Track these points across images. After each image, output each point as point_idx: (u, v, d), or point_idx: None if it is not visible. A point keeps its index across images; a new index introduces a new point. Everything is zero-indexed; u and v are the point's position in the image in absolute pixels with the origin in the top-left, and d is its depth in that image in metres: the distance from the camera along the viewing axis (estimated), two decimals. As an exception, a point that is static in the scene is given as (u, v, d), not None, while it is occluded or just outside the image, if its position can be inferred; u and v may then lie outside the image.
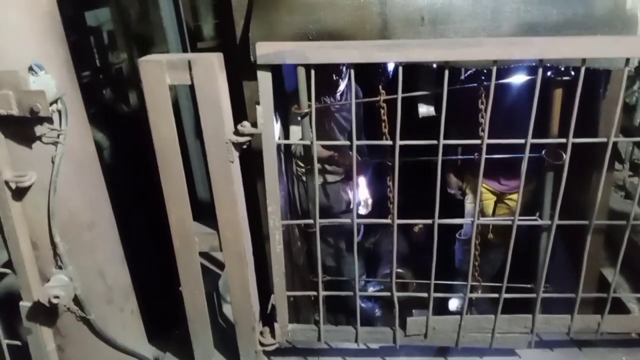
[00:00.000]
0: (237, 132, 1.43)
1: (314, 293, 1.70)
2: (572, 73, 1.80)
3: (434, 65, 1.70)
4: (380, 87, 2.10)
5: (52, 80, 1.33)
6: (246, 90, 1.93)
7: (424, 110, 2.31)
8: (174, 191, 1.48)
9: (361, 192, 3.23)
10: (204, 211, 1.80)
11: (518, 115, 2.56)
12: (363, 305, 3.39)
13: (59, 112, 1.37)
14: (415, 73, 2.13)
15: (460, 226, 3.27)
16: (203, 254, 1.67)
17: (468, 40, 1.36)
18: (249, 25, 1.73)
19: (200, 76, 1.33)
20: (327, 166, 2.98)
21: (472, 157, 1.78)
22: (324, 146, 2.73)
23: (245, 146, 1.46)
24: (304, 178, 2.55)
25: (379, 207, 2.91)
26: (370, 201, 3.21)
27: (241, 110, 1.88)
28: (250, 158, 1.61)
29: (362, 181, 3.25)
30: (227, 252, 1.56)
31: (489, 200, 3.16)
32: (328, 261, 3.12)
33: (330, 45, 1.38)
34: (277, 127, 2.45)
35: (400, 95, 1.38)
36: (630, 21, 1.65)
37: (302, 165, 2.59)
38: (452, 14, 1.68)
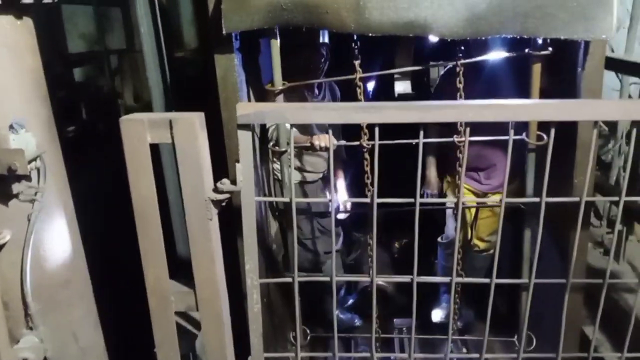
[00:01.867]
0: (216, 190, 1.43)
1: (292, 354, 1.66)
2: (550, 49, 1.87)
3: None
4: (357, 65, 2.09)
5: (32, 138, 1.34)
6: (219, 69, 1.96)
7: (401, 88, 2.34)
8: (151, 250, 1.46)
9: (340, 194, 3.12)
10: (184, 268, 1.78)
11: (499, 86, 2.63)
12: (342, 316, 3.32)
13: (38, 169, 1.37)
14: (392, 50, 2.13)
15: (442, 230, 3.21)
16: (179, 314, 1.64)
17: (442, 102, 1.40)
18: None
19: (181, 135, 1.35)
20: (306, 164, 2.90)
21: (452, 139, 1.83)
22: (301, 132, 2.70)
23: (224, 203, 1.46)
24: (279, 175, 2.47)
25: (361, 206, 2.77)
26: (349, 204, 3.13)
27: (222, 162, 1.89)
28: (229, 214, 1.62)
29: (341, 183, 3.19)
30: (204, 312, 1.53)
31: (470, 202, 3.10)
32: (305, 264, 3.04)
33: (309, 106, 1.42)
34: None
35: (377, 144, 1.41)
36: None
37: (277, 159, 2.48)
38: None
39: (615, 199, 1.47)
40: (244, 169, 1.42)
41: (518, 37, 1.76)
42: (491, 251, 3.09)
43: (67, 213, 1.54)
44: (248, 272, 1.51)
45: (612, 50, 3.62)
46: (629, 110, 1.37)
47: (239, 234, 1.77)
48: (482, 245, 3.08)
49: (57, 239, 1.52)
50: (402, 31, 1.77)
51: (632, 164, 2.48)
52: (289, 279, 1.59)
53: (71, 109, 3.36)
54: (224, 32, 1.81)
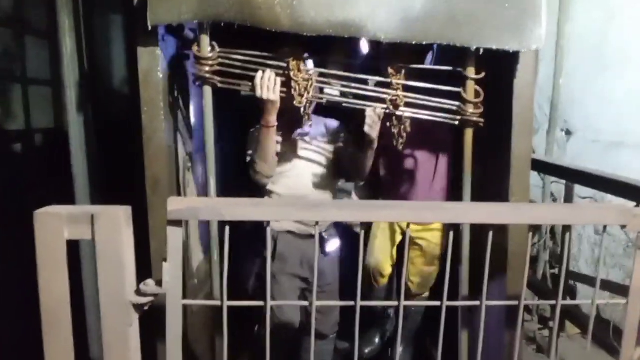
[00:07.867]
0: (139, 292, 1.30)
1: None
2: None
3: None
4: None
5: None
6: (141, 62, 1.83)
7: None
8: (59, 358, 1.28)
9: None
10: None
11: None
12: None
13: None
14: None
15: None
16: None
17: (382, 202, 1.39)
18: None
19: (103, 231, 1.23)
20: None
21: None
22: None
23: (146, 308, 1.33)
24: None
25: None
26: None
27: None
28: (150, 316, 1.46)
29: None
30: None
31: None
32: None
33: (246, 202, 1.35)
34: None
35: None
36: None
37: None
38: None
39: (553, 302, 1.47)
40: (172, 268, 1.31)
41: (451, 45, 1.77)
42: (425, 294, 2.86)
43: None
44: (170, 385, 1.35)
45: (534, 152, 3.88)
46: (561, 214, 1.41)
47: (159, 338, 1.62)
48: (413, 287, 2.83)
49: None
50: (337, 31, 1.75)
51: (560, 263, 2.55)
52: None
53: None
54: (149, 25, 1.72)
